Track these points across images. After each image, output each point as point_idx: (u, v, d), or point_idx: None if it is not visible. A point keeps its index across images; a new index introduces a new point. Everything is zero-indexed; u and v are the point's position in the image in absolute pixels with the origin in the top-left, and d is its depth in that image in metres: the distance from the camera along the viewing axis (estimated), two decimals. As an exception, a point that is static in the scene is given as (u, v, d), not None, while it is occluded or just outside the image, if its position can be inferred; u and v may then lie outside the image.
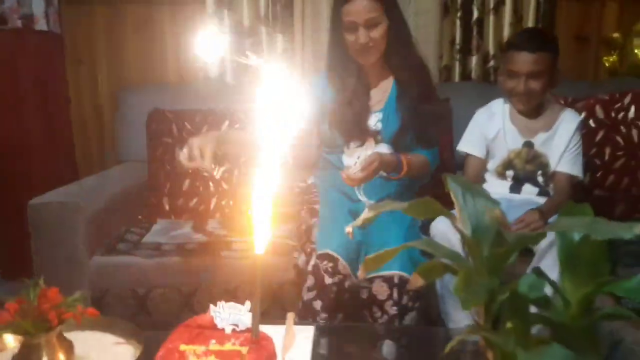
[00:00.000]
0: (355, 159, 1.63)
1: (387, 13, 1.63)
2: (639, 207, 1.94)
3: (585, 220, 0.62)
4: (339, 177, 1.54)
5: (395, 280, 1.41)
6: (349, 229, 0.73)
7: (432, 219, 1.61)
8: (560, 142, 1.73)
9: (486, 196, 0.76)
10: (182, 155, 1.45)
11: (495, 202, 0.75)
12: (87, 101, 2.50)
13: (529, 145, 1.77)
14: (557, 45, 1.72)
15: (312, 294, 1.42)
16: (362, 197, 1.65)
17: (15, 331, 0.94)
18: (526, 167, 1.77)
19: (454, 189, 0.76)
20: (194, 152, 1.44)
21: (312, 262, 1.45)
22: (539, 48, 1.65)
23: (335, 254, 1.44)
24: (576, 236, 0.65)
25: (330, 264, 1.43)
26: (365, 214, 0.68)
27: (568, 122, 1.75)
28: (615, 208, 1.95)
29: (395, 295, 1.40)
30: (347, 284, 1.44)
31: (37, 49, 2.27)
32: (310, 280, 1.44)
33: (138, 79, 2.42)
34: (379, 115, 1.71)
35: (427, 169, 1.71)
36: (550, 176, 1.76)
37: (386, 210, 0.68)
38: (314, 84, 1.76)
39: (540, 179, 1.77)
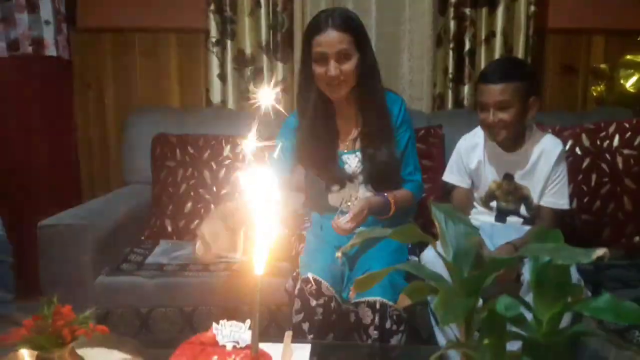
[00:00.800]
0: (342, 203, 1.67)
1: (358, 47, 1.61)
2: (625, 232, 2.00)
3: (551, 246, 0.70)
4: (325, 202, 1.59)
5: (377, 306, 1.45)
6: (338, 254, 0.80)
7: (424, 247, 1.67)
8: (541, 176, 1.72)
9: (466, 222, 0.83)
10: (198, 250, 1.42)
11: (474, 229, 0.83)
12: (93, 125, 2.58)
13: (508, 177, 1.77)
14: (526, 73, 1.70)
15: (300, 317, 1.48)
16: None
17: (31, 346, 1.00)
18: (508, 199, 1.78)
19: (437, 216, 0.84)
20: (206, 240, 1.41)
21: (298, 286, 1.51)
22: (502, 79, 1.63)
23: (318, 277, 1.49)
24: (544, 260, 0.72)
25: (314, 287, 1.48)
26: (353, 240, 0.75)
27: (548, 154, 1.72)
28: (602, 232, 2.02)
29: (377, 320, 1.45)
30: (332, 305, 1.50)
31: (47, 74, 2.36)
32: (297, 304, 1.50)
33: (144, 104, 2.51)
34: (359, 155, 1.72)
35: (412, 202, 1.75)
36: (534, 207, 1.76)
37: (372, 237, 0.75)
38: (292, 117, 1.77)
39: (523, 211, 1.78)
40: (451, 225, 0.83)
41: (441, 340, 1.59)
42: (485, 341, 0.76)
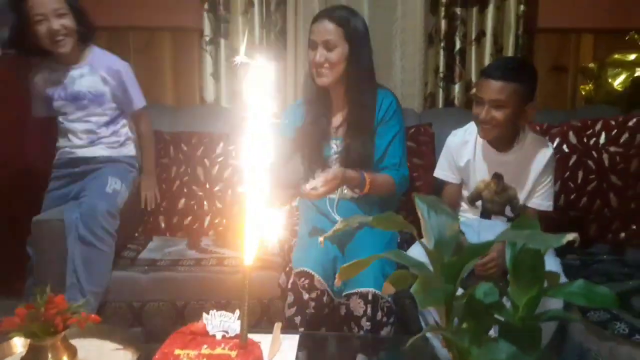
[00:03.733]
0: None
1: (348, 39, 1.70)
2: (611, 228, 2.04)
3: (526, 233, 0.73)
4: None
5: (369, 297, 1.49)
6: (321, 239, 0.83)
7: (412, 243, 1.68)
8: (530, 177, 1.72)
9: (448, 213, 0.86)
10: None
11: (455, 219, 0.85)
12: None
13: (498, 177, 1.77)
14: (529, 77, 1.66)
15: (292, 310, 1.51)
16: (338, 218, 1.72)
17: (24, 334, 1.02)
18: (495, 199, 1.78)
19: (420, 206, 0.87)
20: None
21: (290, 280, 1.54)
22: (504, 77, 1.61)
23: (310, 271, 1.52)
24: (519, 246, 0.75)
25: (307, 281, 1.51)
26: (337, 225, 0.78)
27: (538, 158, 1.72)
28: (589, 228, 2.05)
29: (369, 311, 1.48)
30: (325, 299, 1.52)
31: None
32: (290, 297, 1.53)
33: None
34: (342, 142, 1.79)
35: (392, 188, 1.75)
36: (519, 208, 1.76)
37: (356, 225, 0.78)
38: (289, 111, 1.87)
39: (508, 211, 1.79)
40: (433, 216, 0.86)
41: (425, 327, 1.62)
42: (464, 325, 0.79)
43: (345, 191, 1.77)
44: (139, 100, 2.06)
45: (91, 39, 2.02)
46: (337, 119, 1.82)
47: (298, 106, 1.88)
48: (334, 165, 1.78)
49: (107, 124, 2.01)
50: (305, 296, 1.50)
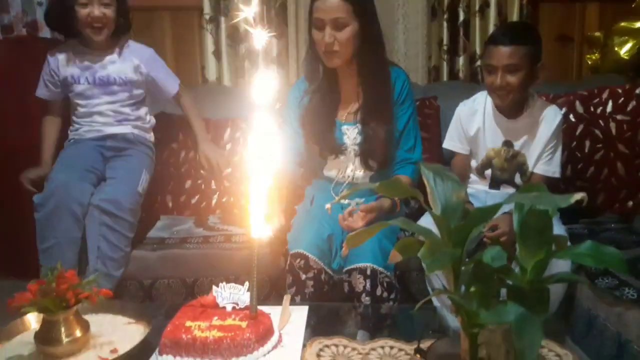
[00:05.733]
0: (337, 174, 1.67)
1: (357, 15, 1.58)
2: (619, 197, 2.02)
3: (533, 195, 0.73)
4: (320, 172, 1.59)
5: (368, 272, 1.48)
6: (328, 205, 0.83)
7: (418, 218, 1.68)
8: (540, 143, 1.74)
9: (453, 179, 0.86)
10: None
11: (461, 185, 0.85)
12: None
13: (508, 144, 1.78)
14: (536, 38, 1.70)
15: (292, 290, 1.52)
16: (345, 201, 1.61)
17: (36, 309, 1.04)
18: (505, 166, 1.78)
19: (426, 174, 0.86)
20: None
21: (287, 261, 1.55)
22: (513, 41, 1.63)
23: (305, 252, 1.52)
24: (526, 208, 0.75)
25: (302, 261, 1.52)
26: (343, 192, 0.78)
27: (548, 122, 1.73)
28: (597, 198, 2.04)
29: (368, 286, 1.47)
30: (323, 277, 1.53)
31: (41, 56, 2.37)
32: (289, 278, 1.53)
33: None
34: (359, 127, 1.71)
35: (412, 185, 1.66)
36: (528, 175, 1.77)
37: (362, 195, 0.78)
38: (295, 88, 1.76)
39: (518, 179, 1.79)
40: (439, 183, 0.86)
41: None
42: (472, 289, 0.79)
43: (359, 172, 1.70)
44: (174, 83, 2.08)
45: (127, 31, 2.04)
46: (351, 104, 1.72)
47: (299, 90, 1.75)
48: (351, 154, 1.71)
49: (132, 109, 2.02)
50: (303, 276, 1.51)
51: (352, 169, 1.72)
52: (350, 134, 1.72)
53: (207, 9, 2.43)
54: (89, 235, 1.74)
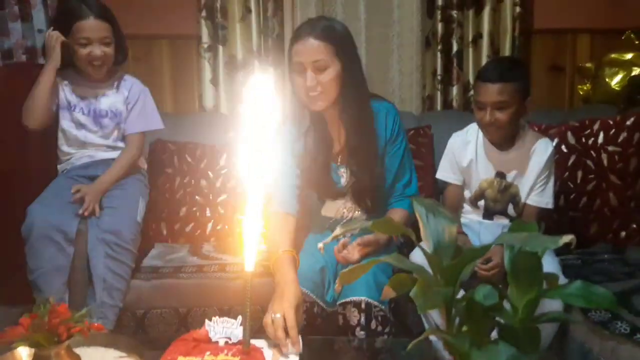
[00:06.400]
0: (336, 213, 1.67)
1: (340, 56, 1.52)
2: (612, 227, 2.04)
3: (523, 235, 0.74)
4: (318, 216, 1.59)
5: (363, 306, 1.46)
6: (320, 245, 0.84)
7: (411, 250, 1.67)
8: (532, 174, 1.75)
9: (446, 216, 0.87)
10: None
11: (453, 222, 0.86)
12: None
13: (501, 175, 1.79)
14: (523, 74, 1.73)
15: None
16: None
17: (28, 344, 1.03)
18: (498, 197, 1.79)
19: (419, 210, 0.87)
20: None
21: None
22: (501, 79, 1.64)
23: None
24: (516, 249, 0.76)
25: None
26: (336, 231, 0.79)
27: (539, 155, 1.74)
28: (590, 228, 2.06)
29: (362, 320, 1.45)
30: (315, 310, 1.50)
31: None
32: None
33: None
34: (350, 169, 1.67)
35: (409, 220, 1.63)
36: (521, 206, 1.78)
37: (356, 231, 0.78)
38: (285, 132, 1.64)
39: (511, 210, 1.80)
40: (432, 219, 0.87)
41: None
42: (464, 328, 0.80)
43: (357, 213, 1.70)
44: (138, 126, 2.06)
45: (123, 62, 2.07)
46: (336, 145, 1.68)
47: (290, 134, 1.66)
48: (348, 195, 1.69)
49: (123, 139, 2.05)
50: None
51: (350, 209, 1.71)
52: (346, 176, 1.69)
53: (205, 38, 2.46)
54: (94, 268, 1.73)
